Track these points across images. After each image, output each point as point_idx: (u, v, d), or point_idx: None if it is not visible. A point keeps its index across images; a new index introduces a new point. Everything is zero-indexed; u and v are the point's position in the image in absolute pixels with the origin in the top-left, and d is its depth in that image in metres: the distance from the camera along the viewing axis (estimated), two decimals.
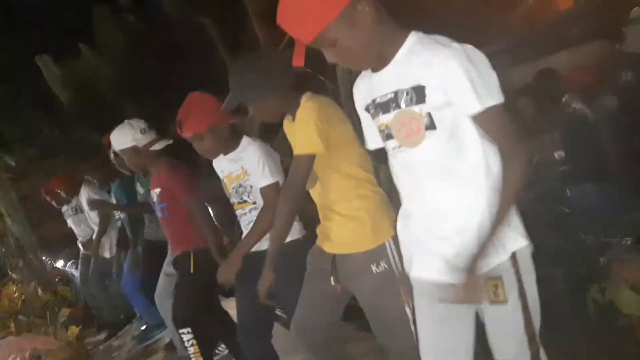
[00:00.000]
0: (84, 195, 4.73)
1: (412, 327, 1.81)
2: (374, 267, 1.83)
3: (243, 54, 2.01)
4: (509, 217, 1.33)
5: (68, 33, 8.78)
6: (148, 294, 3.77)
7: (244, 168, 2.35)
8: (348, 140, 1.91)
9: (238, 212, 2.45)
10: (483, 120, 1.29)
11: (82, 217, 5.14)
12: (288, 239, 2.11)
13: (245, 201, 2.39)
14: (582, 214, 2.91)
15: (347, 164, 1.90)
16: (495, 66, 1.32)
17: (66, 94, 9.44)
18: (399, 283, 1.80)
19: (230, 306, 3.33)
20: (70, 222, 5.31)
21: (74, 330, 4.55)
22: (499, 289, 1.31)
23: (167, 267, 3.31)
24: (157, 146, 2.97)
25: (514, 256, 1.33)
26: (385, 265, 1.82)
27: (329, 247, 1.94)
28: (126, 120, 3.03)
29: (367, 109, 1.46)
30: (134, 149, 2.96)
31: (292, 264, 2.11)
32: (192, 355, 2.86)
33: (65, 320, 5.07)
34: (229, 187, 2.44)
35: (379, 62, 1.36)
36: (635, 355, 2.09)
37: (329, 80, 3.75)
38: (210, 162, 2.52)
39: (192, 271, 2.86)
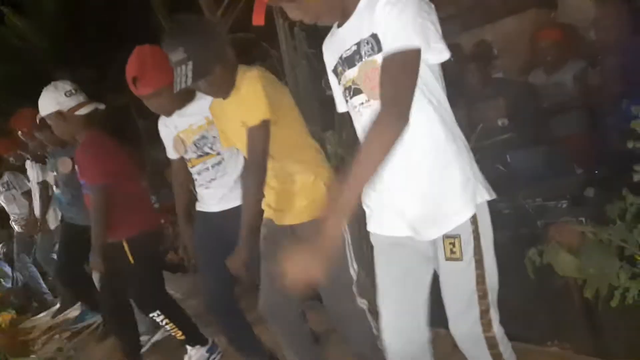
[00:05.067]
0: (36, 171, 4.32)
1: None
2: None
3: (180, 17, 1.85)
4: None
5: None
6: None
7: (210, 118, 2.19)
8: (293, 106, 1.89)
9: (196, 169, 2.31)
10: (385, 63, 1.19)
11: (16, 193, 4.84)
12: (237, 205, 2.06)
13: (207, 153, 2.28)
14: (521, 178, 2.97)
15: (299, 132, 1.87)
16: (443, 32, 1.27)
17: None
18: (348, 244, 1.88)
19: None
20: (0, 200, 4.96)
21: (5, 317, 4.28)
22: (456, 247, 1.31)
23: None
24: (84, 110, 2.71)
25: (473, 214, 1.31)
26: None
27: (290, 220, 1.90)
28: (52, 82, 2.76)
29: (334, 70, 1.42)
30: (58, 114, 2.69)
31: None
32: (171, 332, 2.78)
33: None
34: (188, 141, 2.30)
35: (343, 15, 1.32)
36: (571, 315, 2.16)
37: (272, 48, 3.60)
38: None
39: (131, 262, 2.66)
